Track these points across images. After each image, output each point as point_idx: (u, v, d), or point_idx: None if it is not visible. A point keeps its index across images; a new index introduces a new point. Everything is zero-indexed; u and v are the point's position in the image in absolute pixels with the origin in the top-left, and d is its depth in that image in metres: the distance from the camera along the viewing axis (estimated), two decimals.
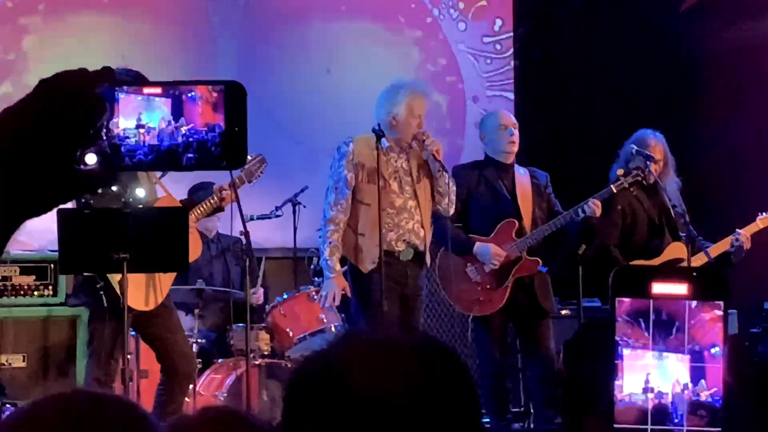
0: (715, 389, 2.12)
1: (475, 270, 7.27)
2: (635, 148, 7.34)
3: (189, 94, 1.52)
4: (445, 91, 9.69)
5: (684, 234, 7.20)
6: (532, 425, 7.61)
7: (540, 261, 7.30)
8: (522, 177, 7.38)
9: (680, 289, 2.13)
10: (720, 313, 2.14)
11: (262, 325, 7.63)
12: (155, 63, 8.64)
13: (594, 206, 7.14)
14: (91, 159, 1.43)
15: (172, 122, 1.51)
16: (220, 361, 7.56)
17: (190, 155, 1.50)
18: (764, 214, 7.42)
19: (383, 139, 6.77)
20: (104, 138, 1.46)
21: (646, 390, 2.13)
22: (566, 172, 8.48)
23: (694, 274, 2.14)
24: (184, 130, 1.51)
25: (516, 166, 7.39)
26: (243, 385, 6.92)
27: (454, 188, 6.88)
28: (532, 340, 7.33)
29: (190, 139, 1.50)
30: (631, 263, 7.32)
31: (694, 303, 2.14)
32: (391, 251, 6.77)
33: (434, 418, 1.59)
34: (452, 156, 8.65)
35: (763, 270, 8.36)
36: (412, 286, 6.87)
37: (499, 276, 7.25)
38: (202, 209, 6.65)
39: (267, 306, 7.76)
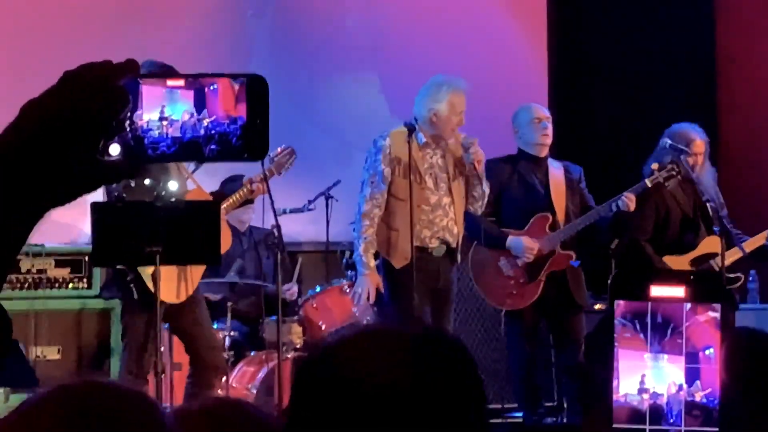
0: (710, 390, 2.14)
1: (508, 264, 7.28)
2: (669, 142, 7.33)
3: (211, 87, 1.54)
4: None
5: (717, 228, 7.18)
6: (564, 419, 7.60)
7: (573, 255, 7.30)
8: (555, 171, 7.39)
9: (677, 292, 2.15)
10: (716, 315, 2.15)
11: (295, 318, 7.68)
12: (190, 59, 8.68)
13: (628, 200, 7.14)
14: (114, 150, 1.46)
15: (195, 114, 1.53)
16: (252, 353, 7.60)
17: (212, 147, 1.53)
18: None
19: (419, 134, 6.78)
20: (128, 130, 1.48)
21: (641, 391, 2.14)
22: (600, 167, 8.47)
23: (692, 277, 2.16)
24: (206, 122, 1.53)
25: (550, 159, 7.40)
26: (275, 378, 6.95)
27: (488, 192, 6.90)
28: (565, 335, 7.34)
29: (212, 132, 1.53)
30: (664, 258, 7.33)
31: (688, 305, 2.15)
32: (425, 247, 6.79)
33: (434, 409, 1.61)
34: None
35: None
36: (444, 281, 6.90)
37: (531, 270, 7.25)
38: (231, 201, 6.70)
39: (299, 299, 7.79)
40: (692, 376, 2.16)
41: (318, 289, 7.70)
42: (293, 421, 1.64)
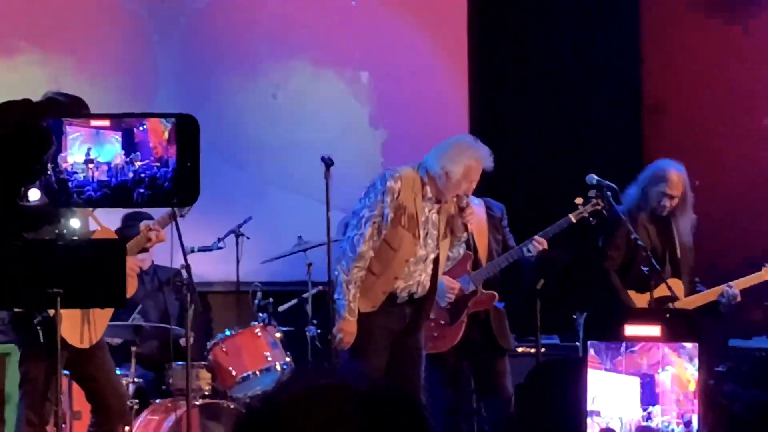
0: (665, 415, 2.14)
1: None
2: (595, 178, 7.37)
3: (141, 127, 1.51)
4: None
5: (646, 268, 7.24)
6: None
7: (496, 295, 7.31)
8: (477, 208, 7.40)
9: (653, 331, 2.15)
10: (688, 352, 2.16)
11: (203, 363, 7.58)
12: (93, 87, 8.60)
13: (537, 244, 7.19)
14: (34, 195, 1.42)
15: (123, 156, 1.50)
16: (158, 401, 7.50)
17: (141, 191, 1.50)
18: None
19: (426, 187, 6.72)
20: (50, 173, 1.45)
21: (591, 413, 2.14)
22: (523, 204, 8.53)
23: (667, 315, 2.16)
24: (137, 164, 1.50)
25: (470, 196, 7.41)
26: (182, 427, 6.86)
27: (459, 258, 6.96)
28: (488, 379, 7.34)
29: (142, 175, 1.50)
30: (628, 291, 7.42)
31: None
32: (394, 295, 6.74)
33: None
34: None
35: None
36: (413, 335, 6.80)
37: (453, 311, 7.25)
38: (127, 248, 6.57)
39: (208, 343, 7.71)
40: (647, 398, 2.16)
41: (228, 332, 7.62)
42: None
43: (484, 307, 7.30)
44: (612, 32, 10.19)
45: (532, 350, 7.86)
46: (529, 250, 7.18)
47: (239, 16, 9.47)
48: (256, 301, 7.91)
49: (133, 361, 7.43)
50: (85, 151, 1.44)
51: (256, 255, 7.88)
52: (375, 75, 9.71)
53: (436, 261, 6.78)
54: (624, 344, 2.16)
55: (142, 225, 6.58)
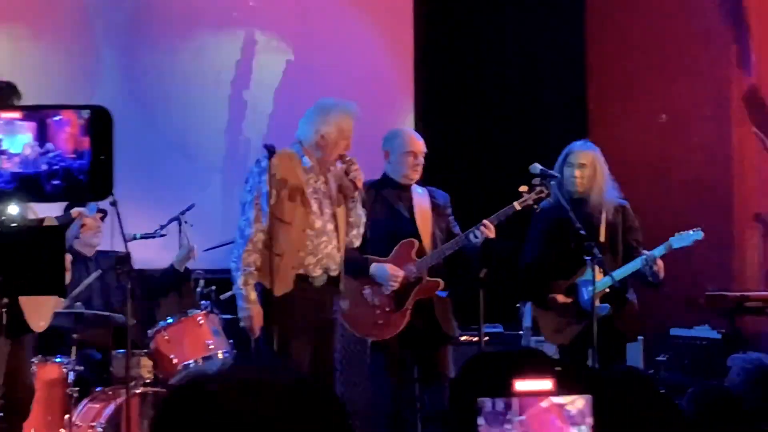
0: None
1: (372, 292, 7.27)
2: (539, 167, 7.39)
3: (55, 118, 1.49)
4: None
5: (588, 258, 7.25)
6: None
7: (441, 282, 7.32)
8: (420, 197, 7.42)
9: (544, 385, 2.11)
10: (560, 402, 2.13)
11: (145, 351, 7.55)
12: (33, 72, 8.53)
13: (485, 229, 7.20)
14: None
15: (36, 148, 1.48)
16: (98, 389, 7.46)
17: (55, 183, 1.48)
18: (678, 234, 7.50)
19: (305, 158, 6.72)
20: None
21: None
22: (468, 192, 8.54)
23: (558, 368, 2.12)
24: (50, 155, 1.48)
25: (414, 186, 7.43)
26: (123, 415, 6.83)
27: (365, 220, 6.88)
28: (432, 368, 7.35)
29: (55, 167, 1.48)
30: (555, 282, 7.43)
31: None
32: (307, 276, 6.70)
33: None
34: None
35: (670, 295, 8.49)
36: (326, 314, 6.81)
37: (398, 298, 7.26)
38: None
39: (149, 330, 7.67)
40: None
41: (170, 320, 7.58)
42: None
43: (429, 295, 7.31)
44: (557, 13, 10.23)
45: (476, 339, 7.88)
46: (476, 236, 7.19)
47: None
48: (199, 289, 7.87)
49: (74, 348, 7.38)
50: None
51: (198, 242, 7.84)
52: (319, 59, 9.69)
53: (339, 232, 6.78)
54: (513, 411, 2.13)
55: (74, 211, 6.52)
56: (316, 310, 6.71)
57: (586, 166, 7.48)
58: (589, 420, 2.15)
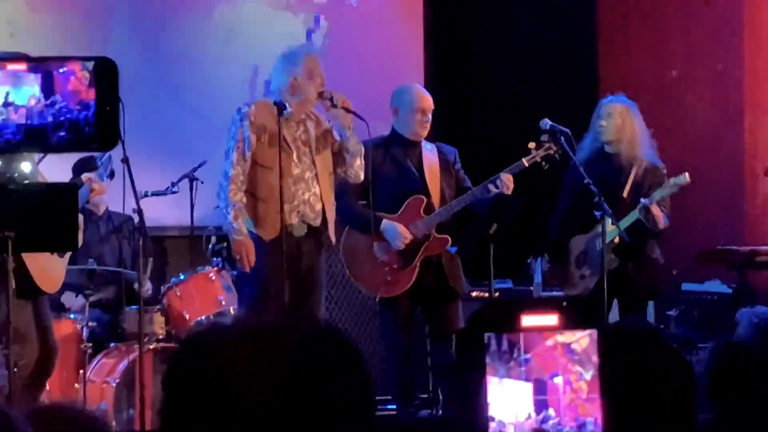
0: (557, 419, 2.16)
1: (382, 249, 7.30)
2: (549, 123, 7.41)
3: (60, 70, 1.52)
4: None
5: (598, 213, 7.27)
6: (440, 412, 7.66)
7: (449, 239, 7.35)
8: (429, 153, 7.43)
9: (550, 320, 2.16)
10: (566, 340, 2.17)
11: (157, 307, 7.61)
12: (43, 25, 8.55)
13: (506, 181, 7.21)
14: None
15: (42, 99, 1.51)
16: (112, 345, 7.53)
17: (61, 134, 1.51)
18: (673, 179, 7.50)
19: (286, 104, 6.79)
20: None
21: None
22: (477, 148, 8.55)
23: (564, 303, 2.17)
24: (56, 107, 1.51)
25: (423, 141, 7.44)
26: (136, 371, 6.89)
27: (363, 149, 6.91)
28: (441, 324, 7.39)
29: (62, 118, 1.51)
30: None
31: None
32: (284, 224, 6.77)
33: (319, 410, 1.60)
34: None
35: (681, 250, 8.52)
36: (306, 265, 6.87)
37: (406, 255, 7.28)
38: None
39: (162, 287, 7.73)
40: (541, 404, 2.18)
41: (182, 276, 7.63)
42: (168, 424, 1.62)
43: (437, 252, 7.34)
44: None
45: (486, 294, 7.92)
46: (497, 186, 7.19)
47: None
48: (210, 246, 7.91)
49: (87, 305, 7.45)
50: (3, 94, 1.46)
51: (210, 200, 7.85)
52: (330, 19, 9.68)
53: (320, 180, 6.84)
54: (518, 350, 2.17)
55: (84, 176, 6.57)
56: (292, 262, 6.78)
57: (613, 116, 7.53)
58: (595, 359, 2.19)
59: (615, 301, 7.43)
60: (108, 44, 8.63)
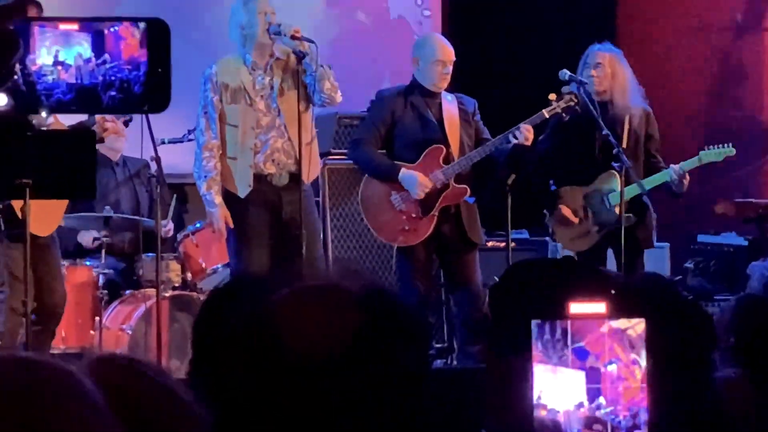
0: (611, 408, 2.12)
1: (400, 198, 7.28)
2: (568, 74, 7.34)
3: (111, 29, 1.49)
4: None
5: (617, 165, 7.23)
6: (455, 362, 7.67)
7: (468, 189, 7.31)
8: (449, 104, 7.39)
9: (598, 308, 2.10)
10: (618, 327, 2.13)
11: (173, 254, 7.60)
12: None
13: (526, 132, 7.16)
14: (1, 100, 1.40)
15: (93, 59, 1.47)
16: (128, 292, 7.52)
17: (112, 94, 1.47)
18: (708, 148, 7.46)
19: (247, 56, 6.88)
20: (18, 76, 1.42)
21: (537, 406, 2.12)
22: (496, 100, 8.50)
23: (613, 292, 2.11)
24: (106, 67, 1.47)
25: (443, 92, 7.39)
26: (152, 318, 6.89)
27: (331, 72, 6.86)
28: (458, 274, 7.37)
29: (112, 78, 1.48)
30: (563, 189, 7.44)
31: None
32: (262, 174, 6.79)
33: (374, 374, 1.57)
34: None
35: (697, 202, 8.49)
36: (290, 214, 6.85)
37: (425, 204, 7.26)
38: None
39: (178, 235, 7.71)
40: (594, 392, 2.14)
41: (198, 224, 7.62)
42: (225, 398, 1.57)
43: (455, 202, 7.32)
44: None
45: (502, 245, 7.90)
46: (515, 137, 7.14)
47: None
48: None
49: (103, 252, 7.43)
50: (54, 53, 1.42)
51: None
52: None
53: (288, 124, 6.84)
54: (570, 337, 2.13)
55: (98, 116, 6.49)
56: (273, 212, 6.81)
57: (603, 66, 7.45)
58: (643, 352, 2.15)
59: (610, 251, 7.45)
60: (120, 5, 8.55)
